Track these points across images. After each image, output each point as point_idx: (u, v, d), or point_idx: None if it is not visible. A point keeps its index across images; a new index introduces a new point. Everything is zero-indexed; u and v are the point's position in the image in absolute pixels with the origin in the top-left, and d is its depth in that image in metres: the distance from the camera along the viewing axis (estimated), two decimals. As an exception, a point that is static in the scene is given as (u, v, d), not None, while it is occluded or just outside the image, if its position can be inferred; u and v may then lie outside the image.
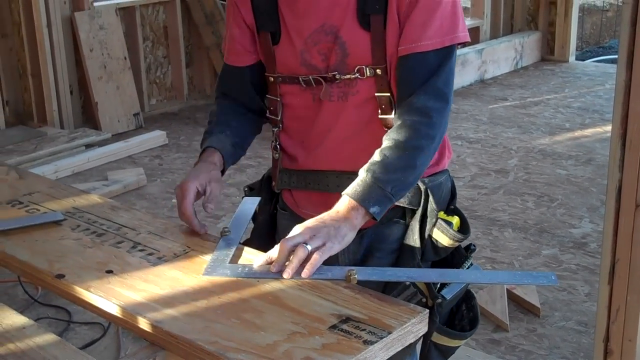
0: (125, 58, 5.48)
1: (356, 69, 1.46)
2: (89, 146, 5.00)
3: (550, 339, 2.82)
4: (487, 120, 5.54)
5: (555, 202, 4.08)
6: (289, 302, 1.23)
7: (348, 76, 1.47)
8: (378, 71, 1.46)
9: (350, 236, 1.34)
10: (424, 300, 1.45)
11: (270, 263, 1.32)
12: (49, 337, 1.16)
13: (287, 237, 1.32)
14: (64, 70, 5.25)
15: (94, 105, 5.33)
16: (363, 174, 1.39)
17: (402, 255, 1.51)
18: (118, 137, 5.28)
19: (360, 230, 1.39)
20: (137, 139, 5.19)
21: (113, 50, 5.40)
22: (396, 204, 1.45)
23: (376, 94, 1.48)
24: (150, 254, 1.42)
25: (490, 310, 2.95)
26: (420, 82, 1.43)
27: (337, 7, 1.44)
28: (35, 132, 5.12)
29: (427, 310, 1.19)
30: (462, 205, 3.92)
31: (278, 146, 1.62)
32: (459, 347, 1.55)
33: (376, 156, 1.41)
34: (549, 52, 7.13)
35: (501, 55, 6.76)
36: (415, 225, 1.50)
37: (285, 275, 1.28)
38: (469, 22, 7.00)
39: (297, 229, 1.33)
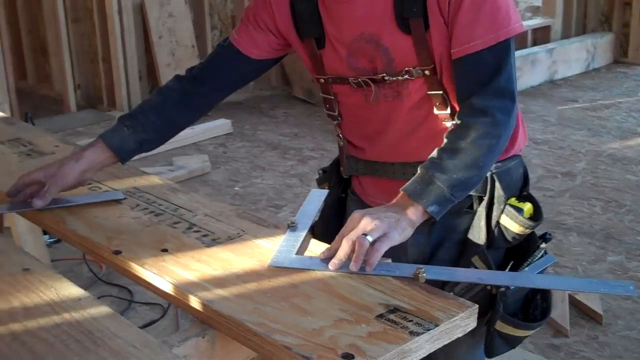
0: (193, 46, 5.56)
1: (404, 70, 1.44)
2: (155, 132, 5.10)
3: (612, 347, 2.74)
4: (556, 121, 5.42)
5: (624, 207, 3.96)
6: (339, 289, 1.22)
7: (397, 78, 1.45)
8: (426, 72, 1.43)
9: (409, 231, 1.32)
10: (488, 288, 1.44)
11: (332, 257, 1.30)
12: (103, 310, 1.19)
13: (346, 228, 1.31)
14: (133, 56, 5.37)
15: (162, 91, 5.44)
16: (422, 172, 1.36)
17: (467, 242, 1.50)
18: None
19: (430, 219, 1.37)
20: (203, 126, 5.26)
21: (181, 37, 5.50)
22: None
23: (428, 93, 1.46)
24: (205, 235, 1.44)
25: (550, 315, 2.88)
26: (479, 82, 1.39)
27: (374, 15, 1.42)
28: (105, 115, 5.26)
29: (477, 306, 1.17)
30: (525, 207, 3.84)
31: (341, 135, 1.63)
32: (525, 337, 1.53)
33: (436, 154, 1.38)
34: (623, 55, 6.92)
35: (572, 56, 6.60)
36: (481, 212, 1.48)
37: (352, 268, 1.26)
38: (539, 20, 6.87)
39: (357, 219, 1.31)
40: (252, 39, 1.58)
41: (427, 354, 1.10)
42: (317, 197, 1.61)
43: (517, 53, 6.38)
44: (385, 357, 1.04)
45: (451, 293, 1.23)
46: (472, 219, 1.51)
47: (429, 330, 1.10)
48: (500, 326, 1.45)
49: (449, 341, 1.13)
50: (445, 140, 1.40)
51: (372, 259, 1.26)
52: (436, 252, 1.54)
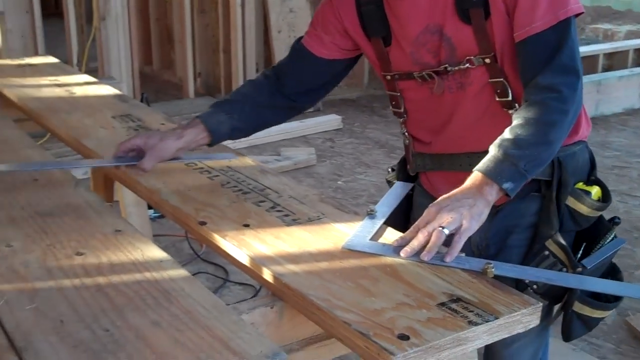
0: (311, 42, 5.68)
1: (465, 59, 1.49)
2: (267, 122, 5.25)
3: None
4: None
5: None
6: (406, 276, 1.25)
7: (458, 67, 1.50)
8: (487, 60, 1.48)
9: (485, 213, 1.34)
10: (564, 269, 1.46)
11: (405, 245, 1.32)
12: (181, 272, 1.26)
13: (422, 220, 1.33)
14: (252, 48, 5.53)
15: (277, 84, 5.59)
16: (494, 150, 1.39)
17: (540, 226, 1.52)
18: (295, 117, 5.48)
19: (494, 207, 1.38)
20: (313, 120, 5.37)
21: (300, 33, 5.56)
22: None
23: (489, 80, 1.50)
24: (286, 215, 1.50)
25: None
26: (543, 62, 1.41)
27: (437, 7, 1.48)
28: (221, 104, 5.45)
29: (541, 305, 1.16)
30: (634, 225, 3.70)
31: (406, 133, 1.68)
32: (602, 318, 1.55)
33: (507, 133, 1.40)
34: None
35: None
36: (550, 195, 1.51)
37: (424, 257, 1.28)
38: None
39: (433, 212, 1.32)
40: (321, 40, 1.65)
41: (484, 345, 1.11)
42: (400, 189, 1.65)
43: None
44: (440, 341, 1.06)
45: (515, 289, 1.23)
46: (541, 203, 1.53)
47: (488, 321, 1.10)
48: (578, 307, 1.48)
49: (509, 335, 1.14)
50: (514, 120, 1.42)
51: (453, 251, 1.28)
52: (508, 239, 1.57)
